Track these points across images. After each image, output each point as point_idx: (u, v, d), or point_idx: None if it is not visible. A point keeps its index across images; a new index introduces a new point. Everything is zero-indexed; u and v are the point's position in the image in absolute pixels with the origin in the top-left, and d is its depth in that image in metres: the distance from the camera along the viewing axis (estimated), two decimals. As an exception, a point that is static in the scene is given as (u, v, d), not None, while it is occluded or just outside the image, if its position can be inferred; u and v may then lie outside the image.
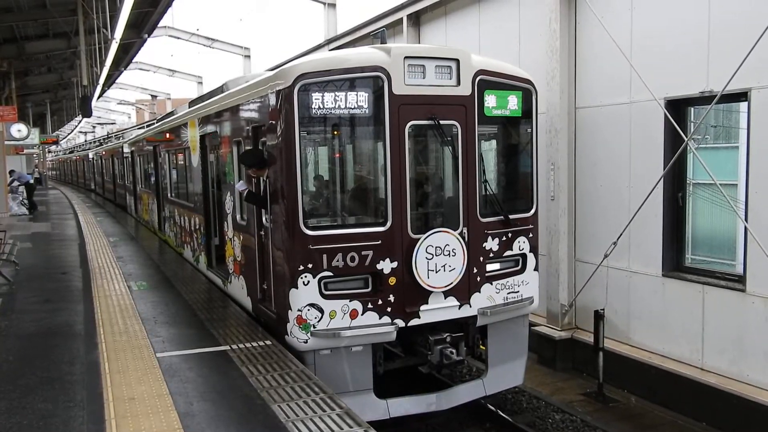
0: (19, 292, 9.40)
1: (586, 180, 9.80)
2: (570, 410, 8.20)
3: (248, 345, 6.61)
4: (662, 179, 8.29)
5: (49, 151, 64.26)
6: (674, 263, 8.60)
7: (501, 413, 7.85)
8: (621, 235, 8.75)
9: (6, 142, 23.65)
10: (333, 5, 19.57)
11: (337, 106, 6.31)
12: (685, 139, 8.00)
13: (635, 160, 8.92)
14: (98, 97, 29.53)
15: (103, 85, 26.03)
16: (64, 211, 23.91)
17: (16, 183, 24.07)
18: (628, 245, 8.98)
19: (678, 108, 8.34)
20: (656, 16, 8.52)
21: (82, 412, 4.93)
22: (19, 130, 23.50)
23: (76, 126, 60.05)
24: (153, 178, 15.62)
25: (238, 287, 8.34)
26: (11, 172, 23.71)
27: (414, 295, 6.63)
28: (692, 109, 8.56)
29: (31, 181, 25.11)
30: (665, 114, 8.20)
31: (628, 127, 8.99)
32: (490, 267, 7.16)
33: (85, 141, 63.32)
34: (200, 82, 35.19)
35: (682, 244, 8.63)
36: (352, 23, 16.84)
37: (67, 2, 18.10)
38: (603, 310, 8.88)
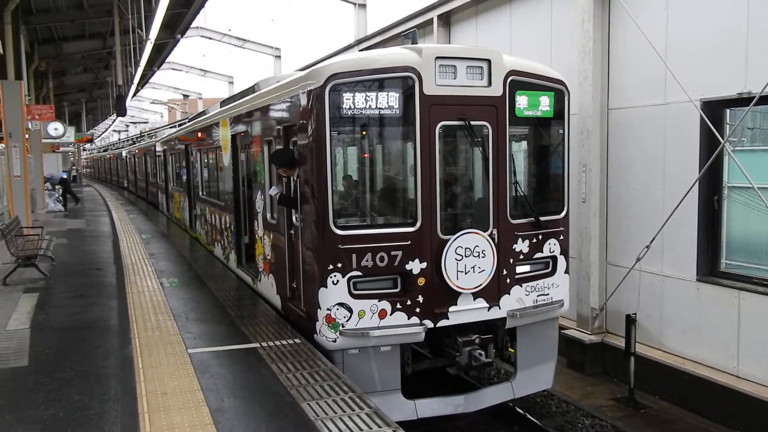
0: (55, 286, 9.63)
1: (619, 182, 9.67)
2: (600, 415, 8.10)
3: (277, 343, 6.66)
4: (698, 182, 8.14)
5: (84, 149, 65.60)
6: (709, 268, 8.44)
7: (529, 416, 7.79)
8: (654, 238, 8.62)
9: (43, 140, 24.23)
10: (363, 6, 19.62)
11: (367, 106, 6.33)
12: (722, 142, 7.84)
13: (669, 162, 8.77)
14: (132, 97, 30.09)
15: (137, 84, 26.54)
16: (98, 208, 24.40)
17: (49, 184, 24.63)
18: (661, 249, 8.83)
19: (714, 109, 8.18)
20: (693, 16, 8.37)
21: (116, 406, 5.02)
22: (55, 128, 24.05)
23: (110, 125, 61.28)
24: (184, 177, 15.84)
25: (267, 285, 8.42)
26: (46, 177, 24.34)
27: (443, 296, 6.61)
28: (729, 110, 8.38)
29: (65, 176, 25.66)
30: (701, 116, 8.05)
31: (663, 129, 8.85)
32: (519, 269, 7.10)
33: (119, 139, 64.51)
34: (231, 82, 35.61)
35: (717, 248, 8.46)
36: (382, 24, 16.87)
37: (104, 3, 18.50)
38: (635, 314, 8.76)
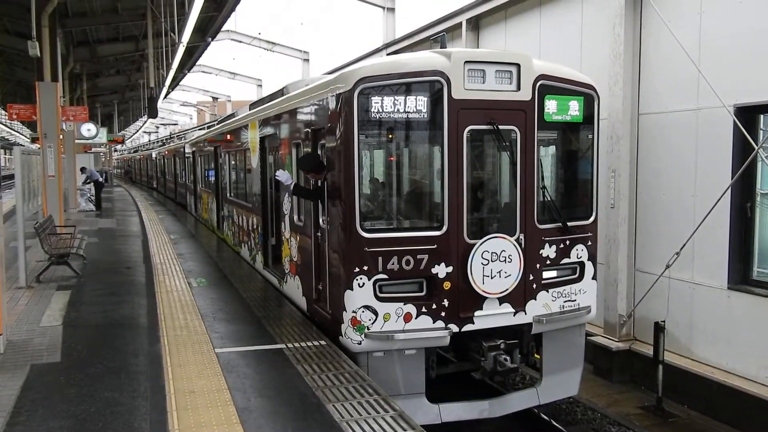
0: (87, 284, 9.82)
1: (649, 188, 9.54)
2: (627, 423, 8.00)
3: (303, 344, 6.72)
4: (730, 188, 8.01)
5: (115, 150, 66.74)
6: (740, 276, 8.29)
7: (555, 423, 7.73)
8: (684, 245, 8.49)
9: (76, 141, 24.72)
10: (392, 9, 19.67)
11: (396, 110, 6.35)
12: (756, 148, 7.70)
13: (701, 168, 8.64)
14: (163, 99, 30.57)
15: (168, 86, 26.96)
16: (128, 209, 24.81)
17: (88, 181, 25.05)
18: (691, 256, 8.70)
19: (748, 115, 8.04)
20: (726, 21, 8.24)
21: (145, 403, 5.11)
22: (88, 129, 24.53)
23: (141, 126, 62.29)
24: (213, 178, 16.04)
25: (293, 287, 8.49)
26: (83, 169, 24.74)
27: (468, 300, 6.60)
28: (763, 116, 8.23)
29: (101, 180, 26.12)
30: (734, 121, 7.92)
31: (695, 134, 8.72)
32: (546, 274, 7.05)
33: (149, 141, 65.53)
34: (260, 85, 35.96)
35: (749, 256, 8.31)
36: (411, 27, 16.90)
37: (138, 7, 18.86)
38: (664, 321, 8.63)
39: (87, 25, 20.70)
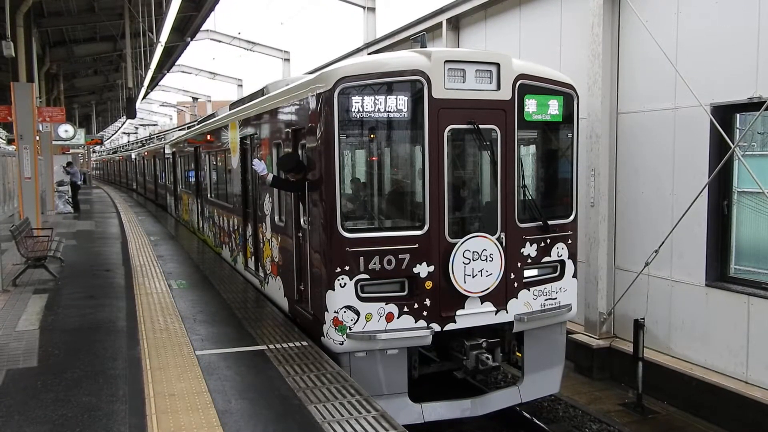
0: (64, 288, 9.68)
1: (628, 186, 9.63)
2: (607, 420, 8.06)
3: (285, 345, 6.68)
4: (707, 187, 8.11)
5: (94, 151, 65.95)
6: (718, 273, 8.39)
7: (536, 421, 7.76)
8: (663, 243, 8.58)
9: (53, 142, 24.35)
10: (372, 9, 19.66)
11: (376, 110, 6.33)
12: (732, 146, 7.80)
13: (679, 167, 8.74)
14: (142, 99, 30.25)
15: (147, 87, 26.68)
16: (107, 210, 24.51)
17: (68, 178, 24.59)
18: (670, 254, 8.79)
19: (724, 114, 8.15)
20: (703, 21, 8.34)
21: (124, 407, 5.05)
22: (66, 130, 24.17)
23: (120, 127, 61.66)
24: (193, 179, 15.91)
25: (275, 288, 8.44)
26: (69, 164, 24.26)
27: (450, 299, 6.60)
28: (739, 115, 8.34)
29: (79, 182, 25.75)
30: (711, 120, 8.02)
31: (672, 133, 8.82)
32: (527, 273, 7.08)
33: (128, 142, 64.84)
34: (240, 85, 35.74)
35: (726, 253, 8.42)
36: (392, 27, 16.89)
37: (115, 6, 18.63)
38: (643, 319, 8.72)
39: (63, 25, 20.41)
